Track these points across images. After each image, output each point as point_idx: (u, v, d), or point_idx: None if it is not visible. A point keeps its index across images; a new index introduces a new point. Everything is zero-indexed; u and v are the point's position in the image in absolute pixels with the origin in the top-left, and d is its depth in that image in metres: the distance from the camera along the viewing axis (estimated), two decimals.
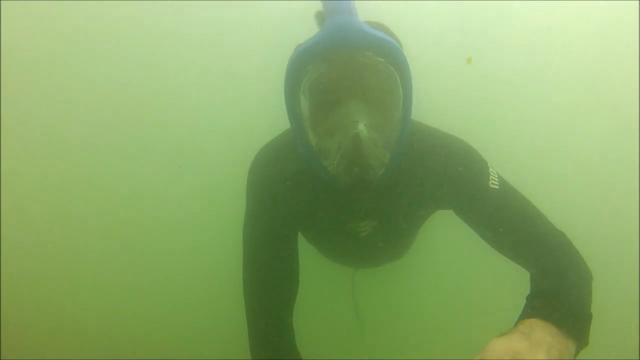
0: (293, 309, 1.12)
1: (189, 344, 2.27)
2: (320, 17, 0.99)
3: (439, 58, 2.27)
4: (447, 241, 2.12)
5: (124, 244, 2.30)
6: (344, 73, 0.91)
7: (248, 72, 2.19)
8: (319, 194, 1.12)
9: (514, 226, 1.03)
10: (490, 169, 1.09)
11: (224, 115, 2.28)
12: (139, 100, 2.27)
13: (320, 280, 1.95)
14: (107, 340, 2.23)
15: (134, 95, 2.25)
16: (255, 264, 1.12)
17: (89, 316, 2.28)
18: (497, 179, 1.08)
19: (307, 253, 1.42)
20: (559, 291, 0.87)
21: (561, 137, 2.46)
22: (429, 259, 2.14)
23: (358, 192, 0.98)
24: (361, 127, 0.89)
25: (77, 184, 2.28)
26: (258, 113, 2.00)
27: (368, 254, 1.45)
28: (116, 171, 2.29)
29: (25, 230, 2.26)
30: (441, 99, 2.17)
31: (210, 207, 2.28)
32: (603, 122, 2.43)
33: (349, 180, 0.96)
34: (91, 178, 2.28)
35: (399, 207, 1.16)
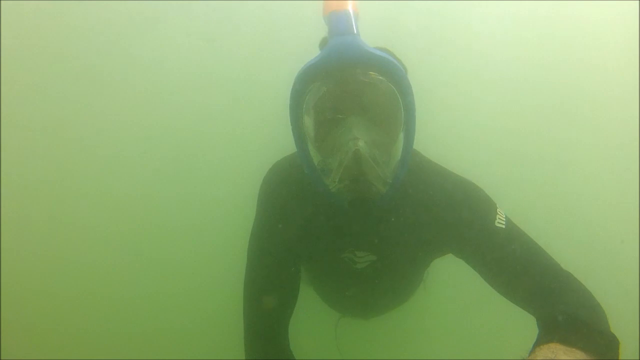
0: (290, 317, 1.14)
1: (189, 345, 2.27)
2: (324, 43, 1.00)
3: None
4: (450, 293, 2.05)
5: (125, 246, 2.31)
6: (345, 91, 0.91)
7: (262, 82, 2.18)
8: (319, 215, 1.12)
9: (519, 265, 0.99)
10: (498, 210, 1.07)
11: (236, 123, 2.29)
12: (145, 103, 2.27)
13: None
14: (107, 341, 2.23)
15: (141, 97, 2.25)
16: (257, 271, 1.14)
17: (89, 317, 2.29)
18: (504, 220, 1.05)
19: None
20: (576, 316, 0.80)
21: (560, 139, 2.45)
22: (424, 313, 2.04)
23: (359, 210, 0.96)
24: (361, 143, 0.89)
25: (79, 187, 2.29)
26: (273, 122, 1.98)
27: (363, 293, 1.36)
28: (119, 174, 2.30)
29: (26, 231, 2.26)
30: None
31: (210, 211, 2.29)
32: (603, 122, 2.42)
33: (351, 197, 0.95)
34: (93, 180, 2.30)
35: (398, 242, 1.14)
